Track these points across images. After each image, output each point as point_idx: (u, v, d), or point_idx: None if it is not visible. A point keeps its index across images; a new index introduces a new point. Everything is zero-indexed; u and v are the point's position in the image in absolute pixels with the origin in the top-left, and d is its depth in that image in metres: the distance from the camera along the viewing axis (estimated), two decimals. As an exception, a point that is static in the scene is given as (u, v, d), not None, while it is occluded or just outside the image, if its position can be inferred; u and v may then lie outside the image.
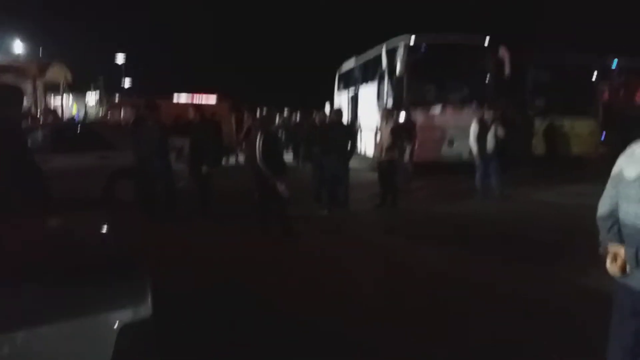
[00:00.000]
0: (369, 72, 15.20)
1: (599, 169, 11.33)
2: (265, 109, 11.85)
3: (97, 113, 27.26)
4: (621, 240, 2.35)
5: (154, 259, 3.82)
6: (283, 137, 14.64)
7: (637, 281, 2.28)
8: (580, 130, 13.45)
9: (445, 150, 12.42)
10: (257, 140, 6.60)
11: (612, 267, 2.34)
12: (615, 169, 2.43)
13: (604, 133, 14.42)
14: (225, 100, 19.11)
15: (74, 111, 29.02)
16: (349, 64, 18.68)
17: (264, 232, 6.79)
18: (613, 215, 2.41)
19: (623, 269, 2.30)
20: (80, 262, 2.11)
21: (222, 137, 10.17)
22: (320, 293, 4.74)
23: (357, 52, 17.42)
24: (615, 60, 16.55)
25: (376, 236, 7.06)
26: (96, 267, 2.05)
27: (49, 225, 2.93)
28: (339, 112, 8.94)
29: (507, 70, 12.51)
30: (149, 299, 1.87)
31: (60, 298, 1.75)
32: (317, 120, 10.82)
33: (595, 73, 14.12)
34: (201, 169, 7.76)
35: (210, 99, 19.52)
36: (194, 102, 17.67)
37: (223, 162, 10.44)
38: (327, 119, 9.79)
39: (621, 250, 2.31)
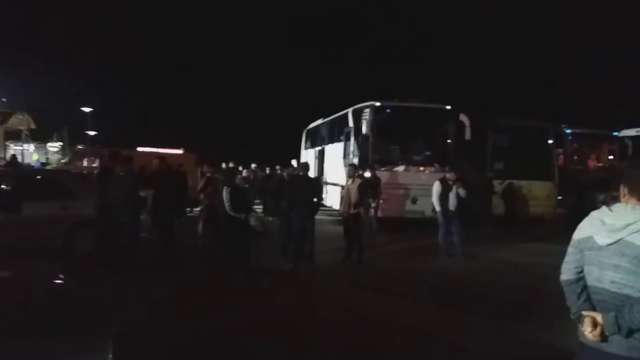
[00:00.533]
0: (336, 132, 15.66)
1: (556, 228, 11.86)
2: (228, 164, 11.92)
3: (59, 161, 26.73)
4: (592, 305, 2.41)
5: (117, 312, 3.70)
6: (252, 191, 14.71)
7: (615, 346, 2.31)
8: (538, 192, 14.00)
9: (408, 207, 12.73)
10: (224, 193, 6.69)
11: (592, 334, 2.35)
12: (579, 234, 2.51)
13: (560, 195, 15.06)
14: (191, 153, 19.11)
15: (35, 158, 28.33)
16: (316, 124, 19.23)
17: (228, 284, 6.67)
18: (581, 280, 2.47)
19: (602, 335, 2.33)
20: (41, 316, 2.04)
21: (187, 188, 10.10)
22: (286, 347, 4.67)
23: (320, 113, 18.15)
24: (569, 129, 17.64)
25: (342, 290, 7.02)
26: (57, 321, 1.99)
27: (3, 278, 2.82)
28: (306, 167, 9.06)
29: (467, 134, 13.13)
30: (110, 354, 1.82)
31: (18, 354, 1.69)
32: (285, 174, 10.93)
33: (551, 139, 14.92)
34: (165, 220, 7.65)
35: (176, 151, 19.49)
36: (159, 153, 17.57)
37: (187, 214, 10.33)
38: (294, 174, 9.91)
39: (599, 317, 2.34)
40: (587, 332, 2.37)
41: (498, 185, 13.88)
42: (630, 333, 2.26)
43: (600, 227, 2.42)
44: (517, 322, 5.60)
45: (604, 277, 2.37)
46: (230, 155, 23.45)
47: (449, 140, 13.38)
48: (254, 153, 25.94)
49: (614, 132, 18.47)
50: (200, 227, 9.21)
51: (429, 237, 10.42)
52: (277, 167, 15.17)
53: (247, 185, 14.96)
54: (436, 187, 9.65)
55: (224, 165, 13.86)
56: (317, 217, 8.72)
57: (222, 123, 35.50)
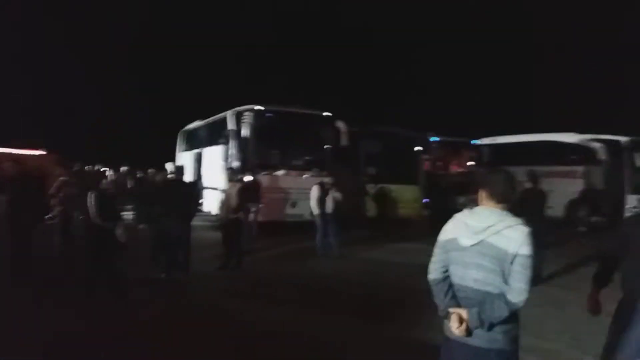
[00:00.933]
0: (216, 135, 15.30)
1: (422, 229, 12.80)
2: (94, 166, 10.97)
3: None
4: (458, 302, 2.59)
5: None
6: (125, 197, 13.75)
7: (478, 340, 2.51)
8: (406, 195, 15.01)
9: (288, 211, 12.88)
10: (89, 199, 6.20)
11: (458, 329, 2.53)
12: (445, 236, 2.68)
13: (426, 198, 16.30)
14: (51, 155, 17.39)
15: None
16: (193, 126, 18.65)
17: (91, 296, 6.16)
18: (447, 279, 2.64)
19: (467, 330, 2.51)
20: None
21: (46, 192, 9.16)
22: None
23: (197, 114, 17.65)
24: (434, 137, 19.20)
25: (217, 298, 6.85)
26: None
27: None
28: (180, 170, 8.72)
29: (343, 140, 13.70)
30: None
31: None
32: (157, 178, 10.37)
33: (418, 146, 16.11)
34: (21, 228, 6.86)
35: (35, 152, 17.60)
36: (15, 155, 15.75)
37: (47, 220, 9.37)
38: (168, 178, 9.43)
39: (464, 313, 2.52)
40: (454, 327, 2.54)
41: (371, 189, 14.65)
42: (491, 327, 2.48)
43: (463, 229, 2.59)
44: (385, 319, 5.92)
45: (468, 276, 2.56)
46: (98, 156, 21.91)
47: (326, 146, 13.82)
48: (125, 154, 24.32)
49: (473, 140, 20.47)
50: (56, 236, 8.44)
51: (307, 239, 10.64)
52: (150, 170, 14.40)
53: (115, 190, 14.00)
54: (314, 191, 9.90)
55: (81, 167, 12.77)
56: (193, 223, 8.45)
57: (92, 123, 32.70)
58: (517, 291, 2.44)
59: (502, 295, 2.45)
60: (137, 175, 16.78)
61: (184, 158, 19.05)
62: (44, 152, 17.60)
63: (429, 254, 2.76)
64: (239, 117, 13.32)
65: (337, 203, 9.87)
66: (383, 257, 10.29)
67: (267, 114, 13.18)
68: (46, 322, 5.31)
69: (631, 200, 13.85)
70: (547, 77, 33.20)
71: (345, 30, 38.81)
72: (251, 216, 11.16)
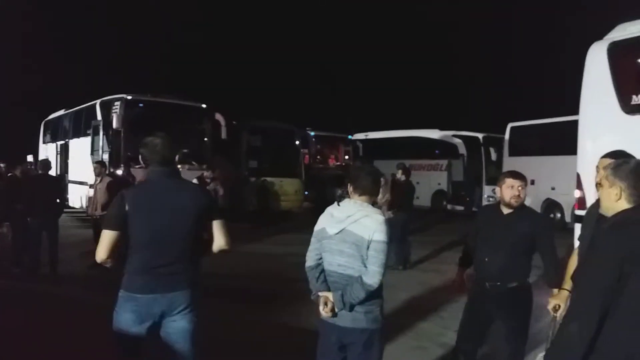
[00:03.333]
0: (83, 125, 14.16)
1: (303, 220, 13.09)
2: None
3: None
4: (328, 287, 2.79)
5: None
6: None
7: (343, 320, 2.72)
8: (287, 188, 15.25)
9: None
10: None
11: (324, 311, 2.74)
12: (317, 226, 2.90)
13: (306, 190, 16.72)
14: None
15: None
16: (57, 116, 17.06)
17: None
18: (320, 265, 2.85)
19: (333, 311, 2.71)
20: None
21: None
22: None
23: (62, 103, 16.24)
24: (313, 132, 19.74)
25: (90, 298, 6.37)
26: None
27: None
28: (46, 165, 7.96)
29: (223, 133, 13.49)
30: None
31: None
32: (18, 173, 9.28)
33: (297, 140, 16.44)
34: None
35: None
36: None
37: None
38: (32, 172, 8.56)
39: (330, 296, 2.73)
40: (321, 309, 2.76)
41: (252, 182, 14.65)
42: (352, 307, 2.69)
43: (330, 219, 2.83)
44: (268, 309, 5.99)
45: (334, 261, 2.78)
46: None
47: (205, 139, 13.48)
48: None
49: (349, 135, 21.41)
50: None
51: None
52: (1, 165, 12.93)
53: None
54: (194, 185, 9.63)
55: None
56: (60, 220, 7.78)
57: None
58: (371, 273, 2.65)
59: (360, 278, 2.67)
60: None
61: (48, 150, 17.39)
62: None
63: (308, 244, 2.94)
64: (107, 106, 12.48)
65: (218, 196, 9.71)
66: (265, 249, 10.35)
67: (139, 104, 12.50)
68: None
69: (487, 191, 15.54)
70: (413, 75, 35.88)
71: (225, 25, 38.19)
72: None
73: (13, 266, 7.48)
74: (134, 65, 31.76)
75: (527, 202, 5.90)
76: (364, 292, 2.64)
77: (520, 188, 3.36)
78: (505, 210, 3.44)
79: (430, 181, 17.95)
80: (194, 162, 12.77)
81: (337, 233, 2.75)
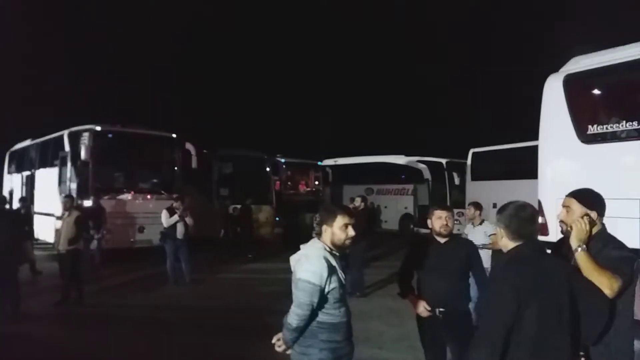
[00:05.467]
0: (50, 156, 14.02)
1: (275, 247, 13.17)
2: None
3: None
4: None
5: None
6: None
7: (291, 358, 2.82)
8: (259, 215, 15.34)
9: (136, 236, 12.30)
10: None
11: (276, 345, 2.84)
12: None
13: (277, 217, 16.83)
14: None
15: None
16: (23, 146, 16.82)
17: None
18: None
19: (284, 349, 2.82)
20: None
21: None
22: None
23: (28, 133, 16.06)
24: (283, 159, 20.00)
25: (54, 337, 6.32)
26: None
27: None
28: (2, 199, 7.89)
29: (194, 162, 13.58)
30: None
31: None
32: None
33: (268, 167, 16.65)
34: None
35: None
36: None
37: None
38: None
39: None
40: (275, 344, 2.87)
41: (224, 210, 14.71)
42: (290, 346, 2.80)
43: (292, 257, 2.91)
44: (244, 341, 5.99)
45: None
46: None
47: (175, 168, 13.53)
48: None
49: (318, 161, 21.75)
50: None
51: (156, 265, 10.30)
52: None
53: None
54: (164, 215, 9.67)
55: None
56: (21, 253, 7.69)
57: None
58: (291, 313, 2.72)
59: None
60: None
61: (13, 180, 17.07)
62: None
63: (281, 273, 3.05)
64: (75, 137, 12.42)
65: (187, 227, 9.74)
66: (237, 279, 10.38)
67: (108, 135, 12.51)
68: None
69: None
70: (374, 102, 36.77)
71: (193, 52, 38.38)
72: (94, 243, 10.47)
73: None
74: (100, 94, 31.56)
75: (489, 226, 6.30)
76: (287, 331, 2.75)
77: (447, 218, 3.70)
78: (441, 240, 3.74)
79: (397, 205, 18.40)
80: (163, 192, 12.79)
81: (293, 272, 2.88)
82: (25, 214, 10.30)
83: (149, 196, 12.80)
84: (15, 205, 13.21)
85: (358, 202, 8.97)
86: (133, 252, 12.07)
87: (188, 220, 9.69)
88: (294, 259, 2.84)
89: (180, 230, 9.58)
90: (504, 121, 25.40)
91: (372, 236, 10.20)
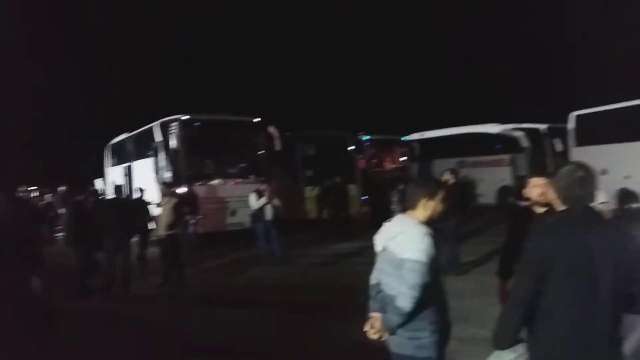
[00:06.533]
0: (144, 147, 14.75)
1: (362, 227, 12.91)
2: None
3: None
4: (382, 307, 2.63)
5: None
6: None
7: (391, 344, 2.60)
8: (346, 195, 15.11)
9: (228, 220, 12.63)
10: None
11: (370, 333, 2.62)
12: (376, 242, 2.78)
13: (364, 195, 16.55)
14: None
15: None
16: (120, 139, 17.89)
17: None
18: (379, 284, 2.70)
19: (379, 335, 2.58)
20: None
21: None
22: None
23: (127, 125, 16.95)
24: (366, 136, 19.59)
25: (161, 317, 6.57)
26: None
27: None
28: (118, 188, 8.43)
29: (277, 145, 13.65)
30: None
31: None
32: (83, 198, 9.55)
33: (351, 146, 16.36)
34: None
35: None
36: None
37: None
38: (103, 197, 8.92)
39: (377, 319, 2.60)
40: (367, 331, 2.63)
41: (309, 191, 14.67)
42: (394, 332, 2.54)
43: (379, 235, 2.71)
44: (334, 321, 5.80)
45: (382, 280, 2.65)
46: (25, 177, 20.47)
47: (260, 152, 13.70)
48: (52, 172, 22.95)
49: (403, 136, 21.07)
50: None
51: (249, 247, 10.46)
52: (61, 187, 13.61)
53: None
54: (253, 198, 9.77)
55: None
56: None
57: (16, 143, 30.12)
58: (402, 295, 2.48)
59: (393, 300, 2.52)
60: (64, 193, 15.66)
61: (114, 173, 18.24)
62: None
63: (367, 254, 2.84)
64: (165, 128, 12.92)
65: (276, 208, 9.76)
66: (327, 259, 10.29)
67: (195, 123, 12.88)
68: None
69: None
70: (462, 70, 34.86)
71: (264, 33, 38.73)
72: (190, 228, 10.83)
73: (76, 290, 7.64)
74: (183, 85, 32.89)
75: (600, 194, 5.58)
76: (396, 316, 2.50)
77: (545, 186, 3.19)
78: (540, 210, 3.31)
79: (493, 177, 17.30)
80: (250, 176, 12.99)
81: (381, 250, 2.67)
82: (143, 203, 10.79)
83: (237, 180, 13.07)
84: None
85: (447, 175, 8.46)
86: (226, 235, 12.39)
87: (275, 201, 9.70)
88: (385, 238, 2.62)
89: (269, 212, 9.62)
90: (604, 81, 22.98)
91: (466, 212, 9.62)
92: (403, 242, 2.52)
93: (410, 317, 2.49)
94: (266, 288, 8.06)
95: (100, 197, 9.86)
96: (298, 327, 5.78)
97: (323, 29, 41.83)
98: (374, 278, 2.74)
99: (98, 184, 18.45)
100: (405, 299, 2.45)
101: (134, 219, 8.34)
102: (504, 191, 17.12)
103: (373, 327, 2.60)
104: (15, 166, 24.70)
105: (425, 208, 2.64)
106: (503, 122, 17.53)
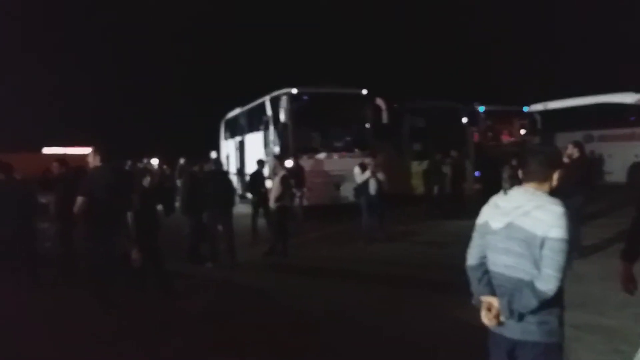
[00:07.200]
0: (255, 121, 15.31)
1: (474, 205, 12.24)
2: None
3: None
4: (492, 290, 2.39)
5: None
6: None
7: (511, 330, 2.32)
8: (458, 170, 14.46)
9: (333, 193, 12.71)
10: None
11: (487, 318, 2.37)
12: (480, 219, 2.51)
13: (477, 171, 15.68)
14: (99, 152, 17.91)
15: None
16: (234, 114, 18.73)
17: (141, 293, 6.22)
18: (483, 265, 2.47)
19: (497, 320, 2.33)
20: None
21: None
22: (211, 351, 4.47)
23: (241, 99, 17.62)
24: (482, 107, 18.41)
25: (267, 286, 6.82)
26: None
27: None
28: (218, 162, 8.82)
29: (384, 118, 13.31)
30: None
31: None
32: (197, 169, 10.18)
33: (464, 117, 15.50)
34: (67, 229, 7.03)
35: (85, 151, 18.19)
36: (66, 154, 16.32)
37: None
38: (206, 169, 9.32)
39: (494, 302, 2.34)
40: (483, 317, 2.39)
41: (417, 165, 14.22)
42: (522, 317, 2.28)
43: (494, 211, 2.44)
44: (444, 301, 5.62)
45: (499, 261, 2.39)
46: (146, 150, 22.42)
47: (367, 125, 13.51)
48: (172, 145, 24.84)
49: (524, 107, 19.48)
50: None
51: (353, 221, 10.46)
52: (182, 160, 14.56)
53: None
54: (357, 172, 9.68)
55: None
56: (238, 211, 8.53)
57: (132, 115, 33.08)
58: (546, 278, 2.20)
59: (531, 283, 2.23)
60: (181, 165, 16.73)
61: (228, 146, 19.24)
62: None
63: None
64: (275, 102, 13.20)
65: (380, 183, 9.58)
66: (431, 237, 9.96)
67: (303, 97, 12.97)
68: (97, 317, 5.41)
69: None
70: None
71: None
72: (296, 201, 11.08)
73: (188, 255, 8.14)
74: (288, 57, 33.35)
75: None
76: (536, 300, 2.21)
77: None
78: None
79: (625, 153, 15.42)
80: (356, 149, 12.90)
81: (502, 228, 2.35)
82: (259, 175, 10.94)
83: (343, 154, 13.05)
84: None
85: (571, 149, 7.62)
86: (331, 208, 12.50)
87: (380, 176, 9.52)
88: (513, 214, 2.33)
89: (373, 187, 9.48)
90: None
91: (592, 189, 8.67)
92: (543, 218, 2.24)
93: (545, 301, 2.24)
94: (368, 262, 8.03)
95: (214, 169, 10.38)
96: (402, 302, 5.74)
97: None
98: (474, 258, 2.50)
99: (213, 156, 19.61)
100: (550, 282, 2.20)
101: (229, 191, 8.57)
102: (636, 169, 15.15)
103: (487, 312, 2.36)
104: (137, 139, 27.20)
105: (548, 181, 2.38)
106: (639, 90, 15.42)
